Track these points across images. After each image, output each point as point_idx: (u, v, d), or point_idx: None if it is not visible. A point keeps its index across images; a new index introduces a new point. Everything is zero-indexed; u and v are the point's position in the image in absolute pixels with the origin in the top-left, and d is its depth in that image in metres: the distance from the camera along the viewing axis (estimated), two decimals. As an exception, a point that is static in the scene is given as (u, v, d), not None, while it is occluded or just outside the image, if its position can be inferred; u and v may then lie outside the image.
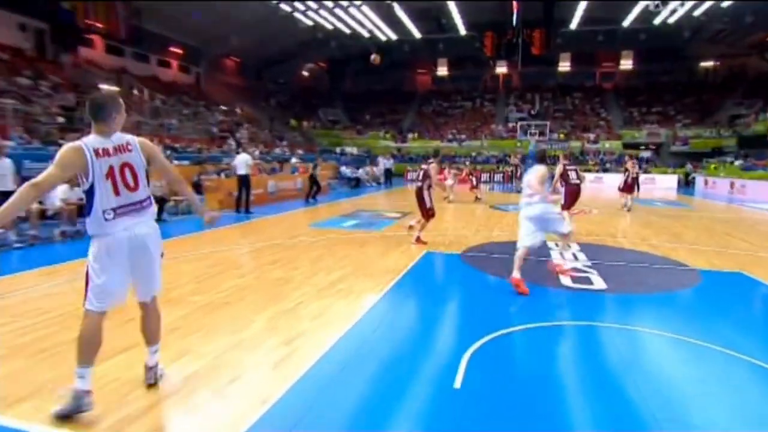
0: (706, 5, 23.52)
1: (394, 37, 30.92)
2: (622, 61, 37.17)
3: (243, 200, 11.63)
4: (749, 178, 20.17)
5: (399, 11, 26.48)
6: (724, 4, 23.14)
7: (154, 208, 2.75)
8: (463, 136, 34.79)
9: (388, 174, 24.19)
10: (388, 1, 24.99)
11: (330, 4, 25.07)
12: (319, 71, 41.15)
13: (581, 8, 25.55)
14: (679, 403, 2.79)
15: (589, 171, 26.79)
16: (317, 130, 37.12)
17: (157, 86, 24.59)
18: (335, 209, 12.82)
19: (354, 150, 32.82)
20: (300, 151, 26.28)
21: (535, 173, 4.98)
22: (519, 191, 20.81)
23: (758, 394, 2.90)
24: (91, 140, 2.49)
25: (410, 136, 35.95)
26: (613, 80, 38.69)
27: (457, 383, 2.91)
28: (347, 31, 29.04)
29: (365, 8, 25.86)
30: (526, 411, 2.66)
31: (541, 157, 5.35)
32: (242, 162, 11.61)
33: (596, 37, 30.73)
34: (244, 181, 11.59)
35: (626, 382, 2.99)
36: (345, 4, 25.18)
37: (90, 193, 2.48)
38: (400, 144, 35.15)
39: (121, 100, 2.65)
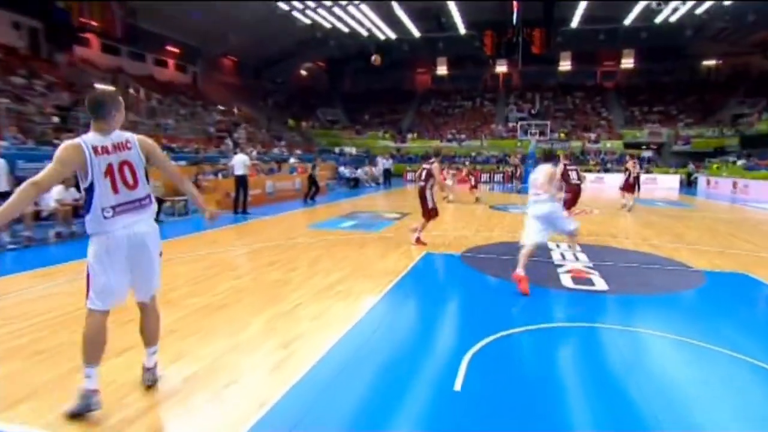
0: (708, 4, 23.60)
1: (393, 36, 30.96)
2: (624, 60, 37.27)
3: (240, 201, 11.63)
4: (752, 178, 20.20)
5: (398, 10, 26.52)
6: (727, 3, 23.21)
7: (155, 206, 2.76)
8: (463, 136, 34.82)
9: (387, 174, 24.21)
10: (388, 0, 25.02)
11: (328, 3, 25.11)
12: (318, 71, 41.17)
13: (582, 7, 25.60)
14: (682, 405, 2.79)
15: (590, 171, 26.82)
16: (316, 130, 37.13)
17: (153, 86, 24.57)
18: (334, 210, 12.82)
19: (353, 150, 32.83)
20: (298, 152, 26.28)
21: (543, 172, 5.02)
22: (519, 191, 20.91)
23: (762, 396, 2.90)
24: (90, 138, 2.50)
25: (409, 136, 35.97)
26: (614, 79, 38.75)
27: (458, 385, 2.91)
28: (346, 30, 29.07)
29: (364, 7, 25.89)
30: (528, 413, 2.65)
31: (548, 156, 5.41)
32: (240, 162, 11.61)
33: (597, 36, 30.79)
34: (241, 182, 11.59)
35: (628, 384, 2.99)
36: (344, 3, 25.21)
37: (89, 190, 2.49)
38: (400, 144, 35.17)
39: (120, 98, 2.66)
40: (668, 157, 29.98)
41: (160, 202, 9.39)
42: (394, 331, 3.97)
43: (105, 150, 2.50)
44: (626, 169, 13.61)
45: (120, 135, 2.58)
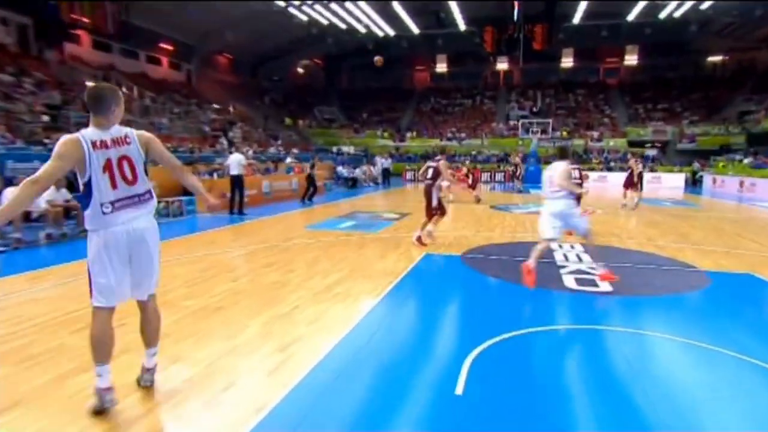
0: (714, -2, 23.64)
1: (391, 32, 30.98)
2: (627, 57, 37.35)
3: (236, 201, 11.63)
4: (759, 177, 20.24)
5: (396, 6, 26.54)
6: (732, -2, 23.27)
7: (155, 201, 2.78)
8: (463, 135, 34.87)
9: (386, 174, 24.23)
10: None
11: (325, -1, 25.13)
12: (315, 68, 41.17)
13: (584, 2, 25.64)
14: (689, 408, 2.80)
15: (592, 170, 26.88)
16: (313, 128, 37.15)
17: (146, 84, 24.55)
18: (332, 210, 12.82)
19: (351, 149, 32.85)
20: (295, 151, 26.26)
21: (559, 169, 5.11)
22: (520, 191, 20.92)
23: (769, 399, 2.90)
24: (89, 132, 2.52)
25: (409, 134, 36.00)
26: (617, 76, 38.84)
27: (459, 389, 2.91)
28: (343, 26, 29.08)
29: (362, 3, 25.90)
30: (531, 418, 2.66)
31: (564, 153, 5.51)
32: (235, 162, 11.61)
33: (600, 32, 30.85)
34: (237, 182, 11.59)
35: (634, 387, 2.99)
36: (341, -2, 25.24)
37: (88, 186, 2.50)
38: (399, 143, 35.21)
39: (120, 93, 2.68)
40: (673, 156, 30.04)
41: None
42: (394, 334, 3.97)
43: (104, 144, 2.51)
44: (629, 168, 13.78)
45: (119, 130, 2.60)
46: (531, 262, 5.10)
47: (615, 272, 5.34)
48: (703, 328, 4.09)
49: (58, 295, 4.90)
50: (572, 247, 7.29)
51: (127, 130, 2.63)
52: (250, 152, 19.50)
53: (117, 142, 2.56)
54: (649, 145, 31.13)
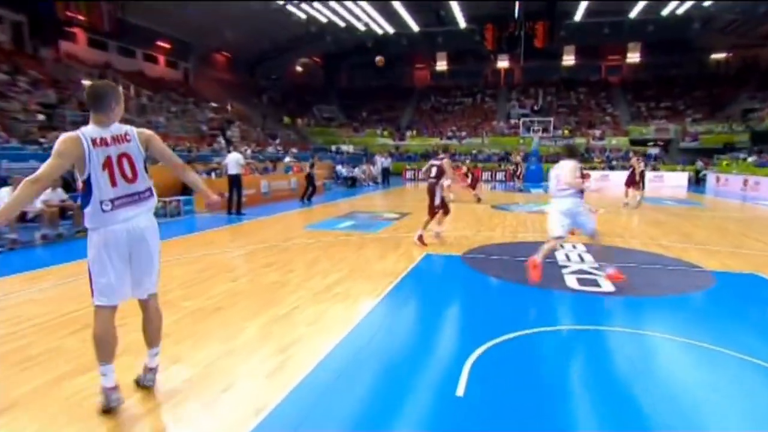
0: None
1: (391, 30, 31.00)
2: (629, 54, 37.36)
3: (234, 201, 11.63)
4: (763, 175, 20.23)
5: (396, 3, 26.54)
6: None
7: (155, 200, 2.80)
8: (464, 134, 34.88)
9: (386, 173, 24.23)
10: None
11: (324, -4, 25.13)
12: (314, 66, 41.20)
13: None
14: (692, 409, 2.80)
15: (594, 169, 26.89)
16: (312, 127, 37.16)
17: (143, 82, 24.54)
18: (331, 210, 12.83)
19: (350, 148, 32.86)
20: (294, 150, 26.26)
21: (567, 167, 5.18)
22: (521, 190, 20.93)
23: (774, 400, 2.91)
24: (88, 130, 2.54)
25: (408, 133, 36.02)
26: (619, 74, 38.86)
27: (460, 391, 2.91)
28: (342, 24, 29.09)
29: (361, 1, 25.90)
30: (533, 419, 2.66)
31: (572, 152, 5.63)
32: (233, 161, 11.62)
33: (602, 29, 30.87)
34: (235, 182, 11.59)
35: (636, 388, 2.99)
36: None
37: (87, 183, 2.52)
38: (398, 142, 35.22)
39: (120, 91, 2.69)
40: (676, 154, 30.06)
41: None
42: (394, 335, 3.97)
43: (104, 142, 2.53)
44: (631, 166, 13.88)
45: (119, 128, 2.62)
46: (538, 258, 5.19)
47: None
48: (707, 329, 4.09)
49: (55, 295, 4.90)
50: (574, 246, 7.29)
51: (127, 127, 2.65)
52: (249, 151, 19.51)
53: (117, 139, 2.58)
54: (651, 143, 31.15)
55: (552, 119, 30.84)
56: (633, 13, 27.25)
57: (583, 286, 5.28)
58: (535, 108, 35.87)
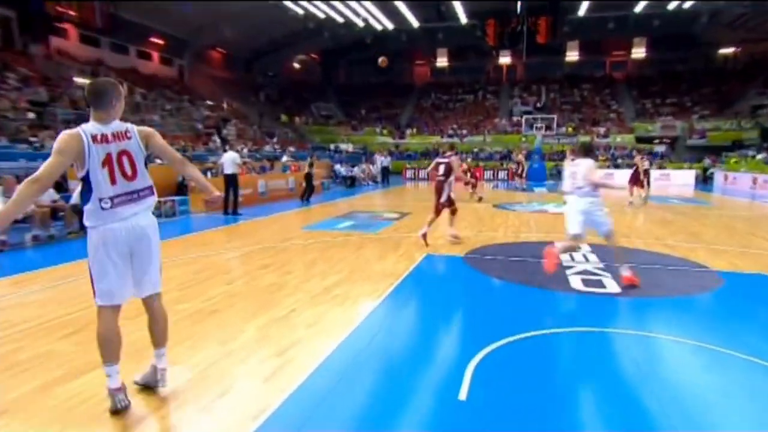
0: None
1: (390, 26, 30.99)
2: (634, 50, 37.39)
3: (231, 201, 11.62)
4: (772, 173, 20.23)
5: (395, -2, 26.56)
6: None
7: (154, 198, 2.82)
8: (465, 131, 34.89)
9: (386, 172, 24.22)
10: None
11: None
12: (311, 63, 41.20)
13: (590, -7, 25.67)
14: (701, 414, 2.80)
15: (599, 167, 26.84)
16: (310, 125, 37.16)
17: (136, 79, 24.54)
18: (330, 210, 12.82)
19: (349, 147, 32.88)
20: (291, 149, 26.27)
21: (584, 165, 5.27)
22: (524, 189, 20.88)
23: (785, 403, 2.90)
24: (89, 127, 2.57)
25: (408, 131, 36.03)
26: (624, 70, 38.87)
27: (462, 394, 2.91)
28: (340, 20, 29.08)
29: (359, -5, 25.92)
30: (537, 424, 2.65)
31: (588, 150, 5.74)
32: (230, 160, 11.62)
33: (606, 24, 30.87)
34: (231, 181, 11.59)
35: (643, 392, 2.99)
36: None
37: (86, 180, 2.54)
38: (398, 140, 35.23)
39: (121, 88, 2.71)
40: (682, 152, 30.06)
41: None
42: (395, 337, 3.97)
43: (105, 139, 2.56)
44: (634, 165, 14.02)
45: (120, 125, 2.65)
46: (555, 249, 5.36)
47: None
48: (715, 331, 4.09)
49: (45, 299, 4.89)
50: (579, 247, 7.28)
51: (128, 125, 2.69)
52: (245, 150, 19.52)
53: (117, 136, 2.61)
54: (657, 141, 31.15)
55: (555, 116, 30.90)
56: (638, 8, 27.24)
57: (588, 287, 5.28)
58: (538, 105, 35.90)
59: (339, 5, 26.88)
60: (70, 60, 22.38)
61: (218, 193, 3.10)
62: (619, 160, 28.87)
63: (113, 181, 2.58)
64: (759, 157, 24.69)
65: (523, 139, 31.58)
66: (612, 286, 5.25)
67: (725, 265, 6.35)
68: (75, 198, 8.48)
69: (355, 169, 23.48)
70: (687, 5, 26.03)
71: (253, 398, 2.86)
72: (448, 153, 8.10)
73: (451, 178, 7.77)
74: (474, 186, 15.47)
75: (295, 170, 18.19)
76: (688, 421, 2.67)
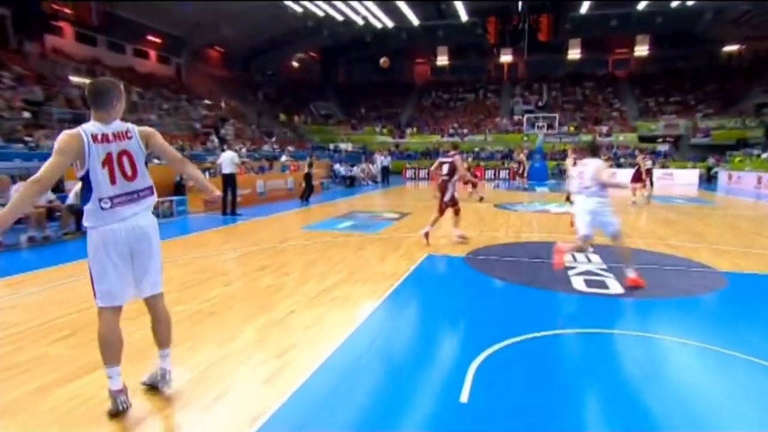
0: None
1: (390, 24, 31.02)
2: (637, 47, 37.39)
3: (229, 201, 11.62)
4: (777, 172, 20.22)
5: (395, -4, 26.58)
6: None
7: (154, 198, 2.83)
8: (465, 131, 34.91)
9: (386, 172, 24.24)
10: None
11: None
12: (310, 62, 41.22)
13: (592, -9, 25.69)
14: (705, 415, 2.80)
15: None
16: (309, 125, 37.17)
17: (133, 78, 24.56)
18: (329, 210, 12.82)
19: (348, 146, 32.90)
20: (290, 148, 26.29)
21: (593, 165, 5.31)
22: (525, 189, 20.90)
23: (790, 405, 2.90)
24: (89, 127, 2.58)
25: (409, 130, 36.05)
26: (627, 68, 38.90)
27: (464, 397, 2.91)
28: (340, 18, 29.10)
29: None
30: (540, 426, 2.66)
31: (597, 150, 5.83)
32: (228, 160, 11.62)
33: (608, 22, 30.91)
34: (230, 181, 11.59)
35: (647, 394, 2.99)
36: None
37: (86, 180, 2.56)
38: (398, 139, 35.24)
39: (122, 88, 2.73)
40: (686, 151, 30.06)
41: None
42: (396, 339, 3.97)
43: (105, 138, 2.58)
44: (636, 164, 14.07)
45: (121, 125, 2.67)
46: (564, 246, 5.43)
47: (624, 274, 5.33)
48: (718, 332, 4.09)
49: (42, 300, 4.89)
50: (587, 247, 7.28)
51: (128, 125, 2.71)
52: (243, 150, 19.54)
53: (118, 136, 2.63)
54: (660, 140, 31.14)
55: (557, 115, 30.94)
56: (641, 5, 27.27)
57: (590, 287, 5.27)
58: (540, 104, 35.92)
59: (338, 3, 26.90)
60: (65, 59, 22.39)
61: (218, 192, 3.12)
62: (622, 160, 28.87)
63: (113, 181, 2.59)
64: (764, 155, 24.69)
65: (525, 138, 31.59)
66: (615, 287, 5.25)
67: (729, 265, 6.35)
68: (71, 198, 8.49)
69: (355, 168, 23.49)
70: (690, 2, 26.04)
71: (253, 400, 2.86)
72: (452, 152, 8.19)
73: (456, 177, 7.87)
74: (474, 185, 15.47)
75: (294, 170, 18.20)
76: (691, 424, 2.67)
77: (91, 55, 24.55)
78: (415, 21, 30.67)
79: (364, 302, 4.79)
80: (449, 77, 41.57)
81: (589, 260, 6.54)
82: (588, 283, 5.45)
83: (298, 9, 27.10)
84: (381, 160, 24.95)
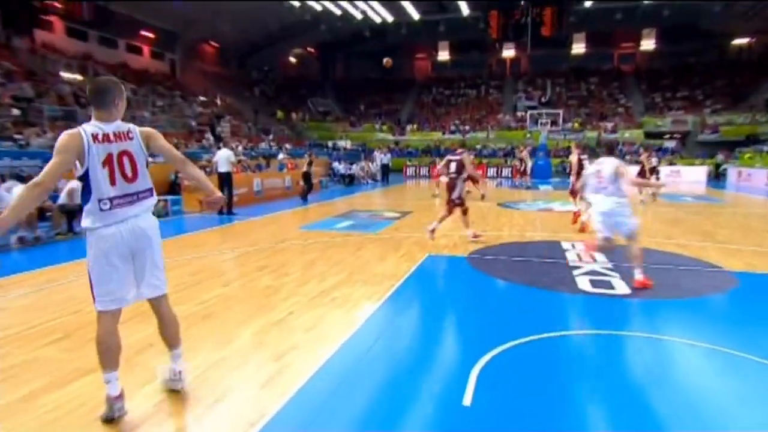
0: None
1: (390, 18, 30.99)
2: (643, 41, 37.34)
3: (225, 201, 11.60)
4: (788, 169, 20.23)
5: (395, -11, 26.56)
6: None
7: (154, 199, 2.85)
8: (467, 127, 34.91)
9: (386, 170, 24.23)
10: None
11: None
12: (308, 57, 41.20)
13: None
14: (715, 419, 2.79)
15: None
16: (306, 122, 37.15)
17: (127, 75, 24.51)
18: (328, 209, 12.82)
19: (347, 144, 32.89)
20: (288, 146, 26.27)
21: (611, 165, 5.29)
22: (528, 187, 20.87)
23: (802, 408, 2.89)
24: (89, 126, 2.60)
25: (409, 127, 36.05)
26: (633, 62, 38.88)
27: (467, 400, 2.90)
28: (338, 12, 29.07)
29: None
30: (545, 430, 2.65)
31: (612, 149, 5.88)
32: (224, 158, 11.61)
33: (613, 15, 30.86)
34: (226, 180, 11.58)
35: (655, 397, 2.98)
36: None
37: (85, 180, 2.56)
38: (398, 137, 35.24)
39: (123, 87, 2.76)
40: (694, 147, 30.04)
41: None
42: (396, 341, 3.96)
43: (106, 138, 2.59)
44: (640, 162, 14.09)
45: (122, 125, 2.68)
46: (592, 244, 5.63)
47: (633, 274, 5.32)
48: (730, 333, 4.08)
49: (31, 303, 4.88)
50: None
51: (129, 125, 2.72)
52: (240, 148, 19.51)
53: (119, 136, 2.64)
54: (667, 136, 31.12)
55: (561, 111, 30.89)
56: (647, -2, 27.24)
57: (596, 288, 5.27)
58: (543, 99, 35.89)
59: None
60: (56, 54, 22.35)
61: (220, 194, 3.10)
62: (627, 157, 28.84)
63: (113, 182, 2.60)
64: (774, 152, 24.68)
65: (528, 135, 31.58)
66: (621, 287, 5.24)
67: (739, 264, 6.34)
68: (63, 198, 8.48)
69: (354, 166, 23.48)
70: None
71: (251, 404, 2.86)
72: (460, 150, 8.32)
73: (464, 175, 7.97)
74: (476, 181, 15.48)
75: (291, 168, 18.19)
76: (701, 427, 2.66)
77: (83, 50, 24.53)
78: (415, 15, 30.64)
79: (365, 303, 4.79)
80: (450, 73, 41.55)
81: (595, 260, 6.53)
82: (593, 283, 5.44)
83: (296, 3, 27.07)
84: (381, 157, 24.94)
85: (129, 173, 2.66)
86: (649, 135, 31.15)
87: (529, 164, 20.97)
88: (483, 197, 14.75)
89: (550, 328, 4.07)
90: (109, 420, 2.62)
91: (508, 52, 38.29)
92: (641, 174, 13.80)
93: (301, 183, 15.24)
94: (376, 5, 28.71)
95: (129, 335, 3.40)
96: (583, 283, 5.43)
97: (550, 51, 35.76)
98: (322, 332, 4.03)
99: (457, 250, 7.31)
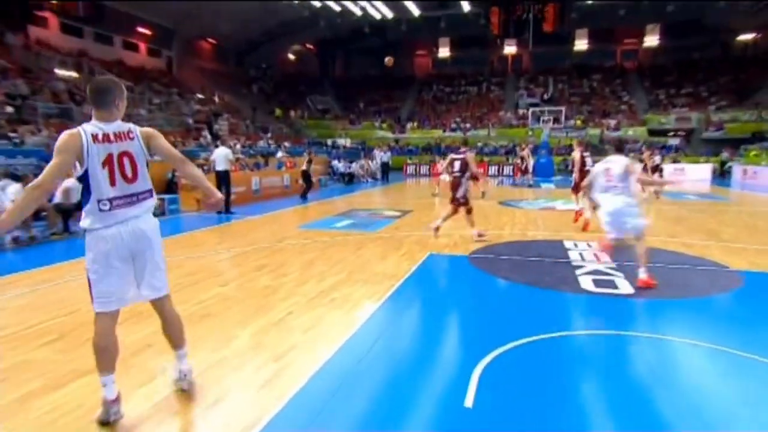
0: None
1: (389, 14, 30.97)
2: (647, 37, 37.27)
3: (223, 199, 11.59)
4: (794, 167, 20.21)
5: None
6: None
7: (154, 200, 2.86)
8: (468, 125, 34.89)
9: (386, 168, 24.23)
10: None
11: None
12: (307, 54, 41.16)
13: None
14: (719, 420, 2.80)
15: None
16: (305, 120, 37.13)
17: (123, 72, 24.48)
18: (327, 208, 12.82)
19: (347, 142, 32.88)
20: (287, 144, 26.27)
21: (622, 163, 5.29)
22: (530, 185, 20.86)
23: (808, 408, 2.90)
24: (89, 126, 2.61)
25: (409, 125, 36.03)
26: (636, 59, 38.84)
27: (468, 401, 2.90)
28: (337, 8, 29.05)
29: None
30: (548, 431, 2.65)
31: (621, 146, 5.83)
32: (221, 156, 11.60)
33: (616, 11, 30.82)
34: (223, 178, 11.58)
35: (659, 398, 2.99)
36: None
37: (85, 180, 2.57)
38: (398, 134, 35.22)
39: (123, 87, 2.77)
40: (698, 145, 30.02)
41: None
42: (397, 341, 3.96)
43: (106, 138, 2.60)
44: (642, 160, 14.12)
45: (122, 125, 2.69)
46: (606, 243, 5.54)
47: (637, 273, 5.32)
48: (735, 333, 4.08)
49: (26, 304, 4.89)
50: (589, 245, 7.29)
51: (130, 125, 2.73)
52: (238, 146, 19.52)
53: (119, 136, 2.64)
54: (671, 133, 31.10)
55: (563, 109, 30.84)
56: (651, -7, 27.20)
57: (599, 287, 5.27)
58: (545, 97, 35.86)
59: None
60: (50, 51, 22.29)
61: (220, 195, 3.10)
62: (631, 154, 28.78)
63: (113, 183, 2.61)
64: (780, 149, 24.66)
65: (530, 132, 31.56)
66: (625, 287, 5.24)
67: (745, 263, 6.35)
68: (58, 197, 8.47)
69: (354, 165, 23.47)
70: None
71: (249, 406, 2.86)
72: (463, 149, 8.36)
73: (468, 174, 7.99)
74: (476, 179, 15.48)
75: (290, 166, 18.18)
76: (705, 428, 2.67)
77: (78, 47, 24.47)
78: (415, 11, 30.62)
79: (365, 303, 4.79)
80: (451, 70, 41.52)
81: (598, 259, 6.53)
82: (596, 282, 5.45)
83: (294, -1, 27.08)
84: (380, 155, 24.93)
85: (129, 174, 2.66)
86: (652, 132, 31.11)
87: (531, 162, 20.97)
88: (483, 195, 14.75)
89: (552, 329, 4.07)
90: (105, 423, 2.62)
91: (510, 49, 38.17)
92: (643, 172, 13.85)
93: (300, 181, 15.24)
94: (376, 1, 28.69)
95: (126, 336, 3.40)
96: (586, 283, 5.44)
97: (552, 47, 35.70)
98: (322, 332, 4.04)
99: (458, 249, 7.32)
